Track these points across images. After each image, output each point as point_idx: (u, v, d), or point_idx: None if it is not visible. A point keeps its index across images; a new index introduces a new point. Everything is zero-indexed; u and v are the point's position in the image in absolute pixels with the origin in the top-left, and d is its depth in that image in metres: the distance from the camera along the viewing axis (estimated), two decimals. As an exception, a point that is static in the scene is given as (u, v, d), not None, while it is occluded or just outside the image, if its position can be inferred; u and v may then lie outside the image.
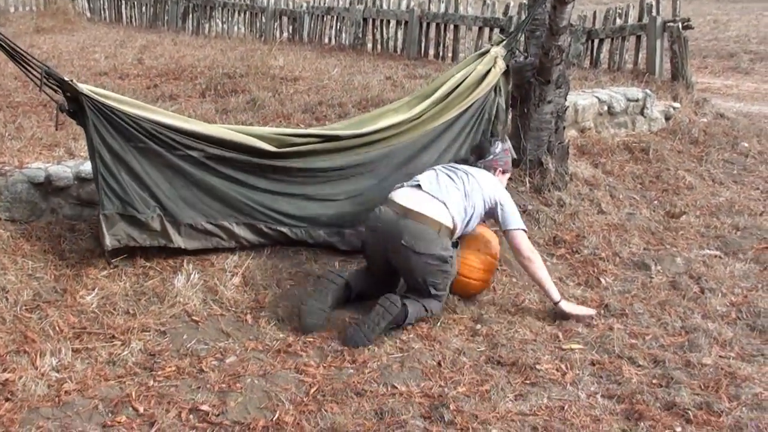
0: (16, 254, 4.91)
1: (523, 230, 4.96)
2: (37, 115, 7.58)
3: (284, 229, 5.25)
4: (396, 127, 5.45)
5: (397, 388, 4.09)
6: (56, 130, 5.70)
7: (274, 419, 3.78)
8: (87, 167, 5.24)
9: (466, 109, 5.73)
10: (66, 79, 4.63)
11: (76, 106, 4.72)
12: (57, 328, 4.40)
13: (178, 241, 5.01)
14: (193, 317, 4.66)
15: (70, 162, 5.56)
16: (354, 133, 5.35)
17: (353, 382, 4.10)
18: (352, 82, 9.04)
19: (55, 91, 4.76)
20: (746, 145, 8.56)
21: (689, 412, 3.88)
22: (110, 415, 3.77)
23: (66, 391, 3.91)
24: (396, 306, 4.51)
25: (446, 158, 5.68)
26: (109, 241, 4.81)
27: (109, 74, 9.82)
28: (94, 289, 4.75)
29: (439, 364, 4.34)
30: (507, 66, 5.94)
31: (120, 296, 4.73)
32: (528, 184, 6.54)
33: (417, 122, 5.54)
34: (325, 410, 3.84)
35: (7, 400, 3.80)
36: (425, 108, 5.55)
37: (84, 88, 4.66)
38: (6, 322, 4.38)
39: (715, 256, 5.95)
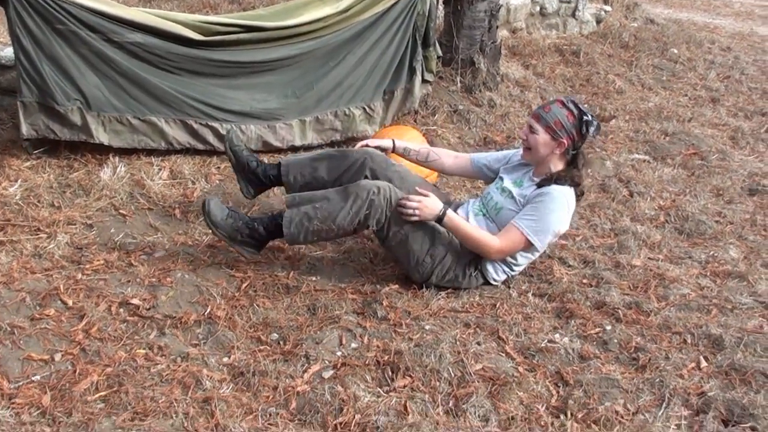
0: (-68, 143, 4.73)
1: None
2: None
3: (215, 124, 5.11)
4: (323, 21, 5.31)
5: (329, 284, 4.08)
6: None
7: (205, 313, 3.74)
8: (8, 52, 5.03)
9: (395, 4, 5.60)
10: (-16, -41, 4.39)
11: (-5, -12, 4.50)
12: (-21, 219, 4.27)
13: (101, 136, 4.83)
14: (121, 211, 4.55)
15: (-9, 47, 5.34)
16: (279, 25, 5.19)
17: (285, 278, 4.07)
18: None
19: (-27, -28, 4.51)
20: (676, 51, 8.64)
21: (619, 311, 3.95)
22: (38, 307, 3.68)
23: (-10, 284, 3.81)
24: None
25: (375, 53, 5.62)
26: (25, 130, 4.64)
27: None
28: (17, 181, 4.60)
29: (371, 261, 4.34)
30: (439, -39, 5.81)
31: (44, 188, 4.59)
32: (459, 84, 6.50)
33: (344, 16, 5.40)
34: (257, 305, 3.82)
35: (-71, 292, 3.69)
36: (353, 2, 5.42)
37: (4, -32, 4.43)
38: (-76, 212, 4.23)
39: (644, 161, 6.04)
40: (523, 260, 4.10)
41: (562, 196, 3.93)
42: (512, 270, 4.13)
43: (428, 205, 3.90)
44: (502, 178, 4.22)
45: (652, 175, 5.78)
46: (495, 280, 4.13)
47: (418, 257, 3.97)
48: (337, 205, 3.86)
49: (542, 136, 4.00)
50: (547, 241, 3.99)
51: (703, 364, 3.57)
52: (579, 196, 4.06)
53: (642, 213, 5.18)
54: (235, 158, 4.37)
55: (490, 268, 4.08)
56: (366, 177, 4.19)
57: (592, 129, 3.98)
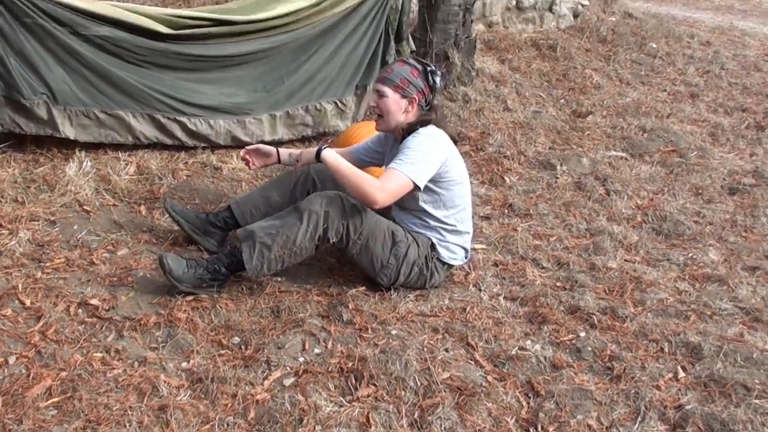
0: None
1: None
2: None
3: (183, 119, 5.02)
4: (294, 14, 5.25)
5: (294, 285, 4.01)
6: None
7: (166, 315, 3.66)
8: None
9: None
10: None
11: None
12: (-61, 215, 4.17)
13: (68, 131, 4.73)
14: (85, 207, 4.46)
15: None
16: (250, 18, 5.12)
17: (249, 278, 3.99)
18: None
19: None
20: (654, 45, 8.60)
21: (593, 316, 3.88)
22: (-5, 308, 3.61)
23: (-54, 282, 3.72)
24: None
25: (347, 48, 5.56)
26: None
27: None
28: (-22, 176, 4.51)
29: (338, 261, 4.27)
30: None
31: (8, 183, 4.49)
32: (434, 79, 6.40)
33: (316, 9, 5.33)
34: (220, 306, 3.74)
35: None
36: None
37: (-30, -40, 4.33)
38: None
39: (621, 158, 6.00)
40: (453, 220, 4.01)
41: (425, 133, 3.86)
42: (456, 237, 4.03)
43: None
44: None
45: (629, 172, 5.73)
46: (454, 259, 4.06)
47: (381, 260, 3.90)
48: (293, 226, 3.75)
49: (392, 97, 3.92)
50: (427, 174, 3.81)
51: (681, 374, 3.48)
52: (452, 140, 4.00)
53: (619, 212, 5.13)
54: (184, 219, 4.27)
55: (441, 250, 4.00)
56: (315, 186, 4.16)
57: (437, 78, 3.95)
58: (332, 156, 3.82)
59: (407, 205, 4.00)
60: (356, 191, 3.74)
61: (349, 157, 4.24)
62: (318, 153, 3.83)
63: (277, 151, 4.28)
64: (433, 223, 3.99)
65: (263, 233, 3.75)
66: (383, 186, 3.71)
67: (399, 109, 3.93)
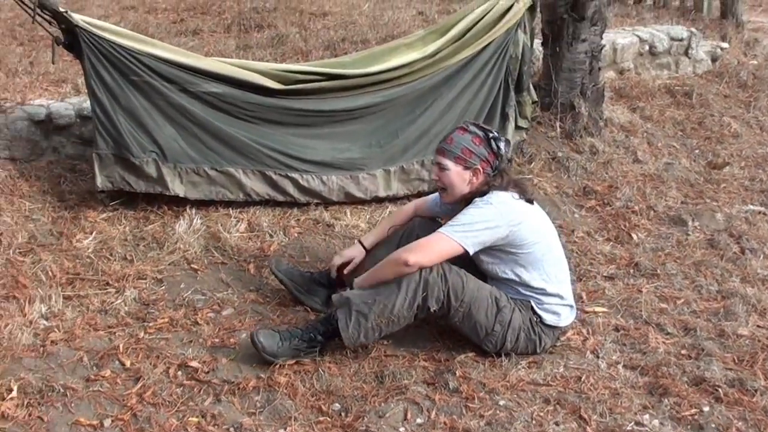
0: (13, 195, 4.70)
1: None
2: (60, 50, 7.33)
3: (295, 175, 4.93)
4: (408, 67, 5.12)
5: (401, 349, 3.84)
6: (53, 64, 5.44)
7: (266, 378, 3.55)
8: (89, 104, 4.98)
9: (485, 47, 5.36)
10: (60, 9, 4.36)
11: (73, 38, 4.46)
12: (50, 273, 4.18)
13: (177, 188, 4.71)
14: (193, 265, 4.42)
15: (74, 99, 5.34)
16: (363, 72, 5.03)
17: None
18: (382, 18, 8.65)
19: (50, 23, 4.50)
20: (799, 90, 8.11)
21: (719, 389, 3.56)
22: (95, 368, 3.57)
23: (52, 341, 3.70)
24: None
25: (464, 99, 5.38)
26: (100, 182, 4.58)
27: (137, 8, 9.50)
28: (91, 233, 4.52)
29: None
30: (532, 0, 5.55)
31: (118, 241, 4.50)
32: (558, 129, 6.17)
33: (430, 61, 5.19)
34: (322, 370, 3.61)
35: (-9, 348, 3.60)
36: (441, 46, 5.20)
37: (78, 19, 4.40)
38: (-3, 265, 4.17)
39: (759, 213, 5.61)
40: (541, 282, 3.76)
41: (486, 199, 3.67)
42: (552, 299, 3.79)
43: None
44: None
45: (766, 229, 5.35)
46: (558, 321, 3.82)
47: (486, 328, 3.69)
48: (391, 294, 3.58)
49: (454, 169, 3.75)
50: (478, 239, 3.60)
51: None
52: (523, 197, 3.76)
53: (753, 273, 4.76)
54: (289, 278, 4.19)
55: (542, 313, 3.77)
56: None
57: (502, 144, 3.75)
58: (360, 279, 3.76)
59: (489, 273, 3.82)
60: (390, 273, 3.62)
61: (426, 205, 4.20)
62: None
63: (361, 244, 4.20)
64: (522, 290, 3.78)
65: (360, 301, 3.60)
66: (411, 249, 3.61)
67: (462, 181, 3.77)
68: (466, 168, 3.74)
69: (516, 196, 3.73)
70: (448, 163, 3.76)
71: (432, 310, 3.62)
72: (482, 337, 3.73)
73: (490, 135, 3.77)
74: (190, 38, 7.75)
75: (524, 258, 3.71)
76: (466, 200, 3.76)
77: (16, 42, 7.44)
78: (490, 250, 3.69)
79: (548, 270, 3.77)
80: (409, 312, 3.60)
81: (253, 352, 3.68)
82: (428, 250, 3.60)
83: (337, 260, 4.17)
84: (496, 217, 3.62)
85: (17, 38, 7.56)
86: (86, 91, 4.66)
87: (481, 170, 3.75)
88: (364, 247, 4.15)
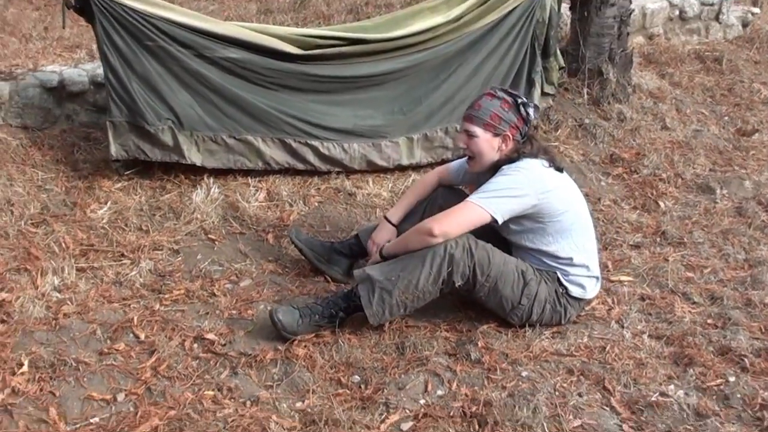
0: (25, 164, 4.61)
1: None
2: (71, 14, 7.23)
3: (315, 143, 4.82)
4: (431, 31, 4.96)
5: (423, 319, 3.73)
6: (63, 28, 5.33)
7: (284, 350, 3.46)
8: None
9: (511, 11, 5.20)
10: (68, -30, 4.26)
11: (84, 1, 4.35)
12: (63, 244, 4.10)
13: (194, 157, 4.61)
14: (210, 235, 4.33)
15: (88, 65, 5.22)
16: (385, 36, 4.88)
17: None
18: (409, -19, 8.53)
19: (61, -16, 4.39)
20: (832, 55, 7.91)
21: (745, 358, 3.45)
22: (108, 341, 3.49)
23: (65, 314, 3.62)
24: None
25: (489, 64, 5.23)
26: (114, 151, 4.48)
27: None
28: (106, 203, 4.44)
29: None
30: (560, -36, 5.40)
31: (134, 211, 4.42)
32: (586, 96, 6.02)
33: (455, 26, 5.03)
34: (342, 342, 3.52)
35: (2, 321, 3.51)
36: (465, 9, 5.03)
37: (89, -20, 4.29)
38: (9, 237, 4.07)
39: (788, 180, 5.44)
40: (569, 252, 3.63)
41: (515, 167, 3.54)
42: (579, 269, 3.66)
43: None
44: None
45: (796, 196, 5.21)
46: (584, 293, 3.70)
47: (512, 301, 3.58)
48: (415, 269, 3.46)
49: (483, 136, 3.61)
50: (507, 207, 3.48)
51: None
52: (553, 165, 3.63)
53: (782, 240, 4.63)
54: (309, 248, 4.09)
55: (568, 285, 3.65)
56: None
57: (531, 110, 3.65)
58: (388, 248, 3.69)
59: (516, 243, 3.70)
60: (418, 243, 3.51)
61: (450, 174, 4.07)
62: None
63: (388, 221, 4.04)
64: (549, 260, 3.65)
65: (383, 277, 3.48)
66: (439, 219, 3.48)
67: (492, 148, 3.63)
68: (496, 135, 3.61)
69: (546, 163, 3.60)
70: (477, 130, 3.62)
71: (457, 285, 3.50)
72: (508, 311, 3.62)
73: (519, 100, 3.64)
74: (210, 2, 7.62)
75: (552, 227, 3.59)
76: (495, 168, 3.63)
77: (32, 6, 7.37)
78: (517, 219, 3.57)
79: (576, 240, 3.64)
80: (434, 287, 3.49)
81: (270, 323, 3.58)
82: (456, 220, 3.48)
83: (372, 248, 3.98)
84: (525, 186, 3.50)
85: (33, 2, 7.48)
86: (99, 56, 4.56)
87: (511, 137, 3.61)
88: (392, 224, 4.02)
